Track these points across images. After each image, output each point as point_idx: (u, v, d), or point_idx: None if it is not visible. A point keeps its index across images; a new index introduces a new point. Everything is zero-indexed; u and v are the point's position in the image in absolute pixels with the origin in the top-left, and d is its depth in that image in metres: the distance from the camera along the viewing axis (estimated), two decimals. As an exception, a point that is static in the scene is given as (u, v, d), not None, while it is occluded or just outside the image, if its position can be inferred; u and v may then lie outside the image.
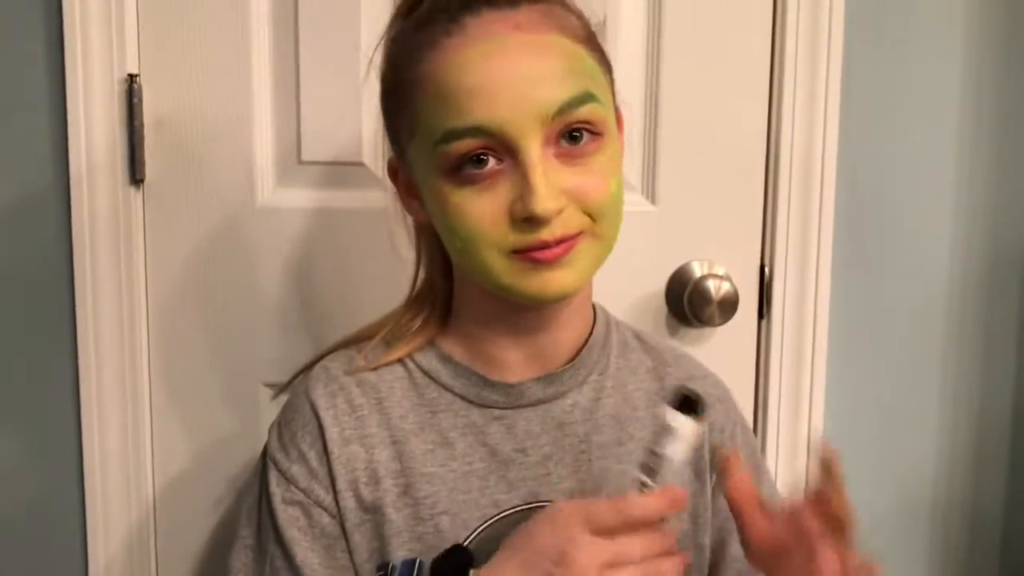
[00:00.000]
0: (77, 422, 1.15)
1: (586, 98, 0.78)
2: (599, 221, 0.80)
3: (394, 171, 0.89)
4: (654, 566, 0.75)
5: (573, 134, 0.78)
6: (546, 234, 0.77)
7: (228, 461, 1.17)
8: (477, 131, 0.76)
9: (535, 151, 0.76)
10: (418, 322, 0.91)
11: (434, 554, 0.85)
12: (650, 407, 0.92)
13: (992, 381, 1.38)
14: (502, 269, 0.79)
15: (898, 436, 1.36)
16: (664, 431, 0.78)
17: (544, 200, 0.76)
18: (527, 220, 0.77)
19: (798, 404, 1.29)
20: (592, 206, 0.79)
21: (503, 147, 0.77)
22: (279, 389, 1.02)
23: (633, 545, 0.75)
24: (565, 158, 0.78)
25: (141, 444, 1.17)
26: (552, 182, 0.77)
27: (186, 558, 1.20)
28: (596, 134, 0.79)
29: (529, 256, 0.78)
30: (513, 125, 0.76)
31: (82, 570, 1.18)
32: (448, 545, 0.85)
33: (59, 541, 1.18)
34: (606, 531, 0.74)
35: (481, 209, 0.78)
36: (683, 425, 0.78)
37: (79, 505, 1.17)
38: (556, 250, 0.78)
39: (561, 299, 0.83)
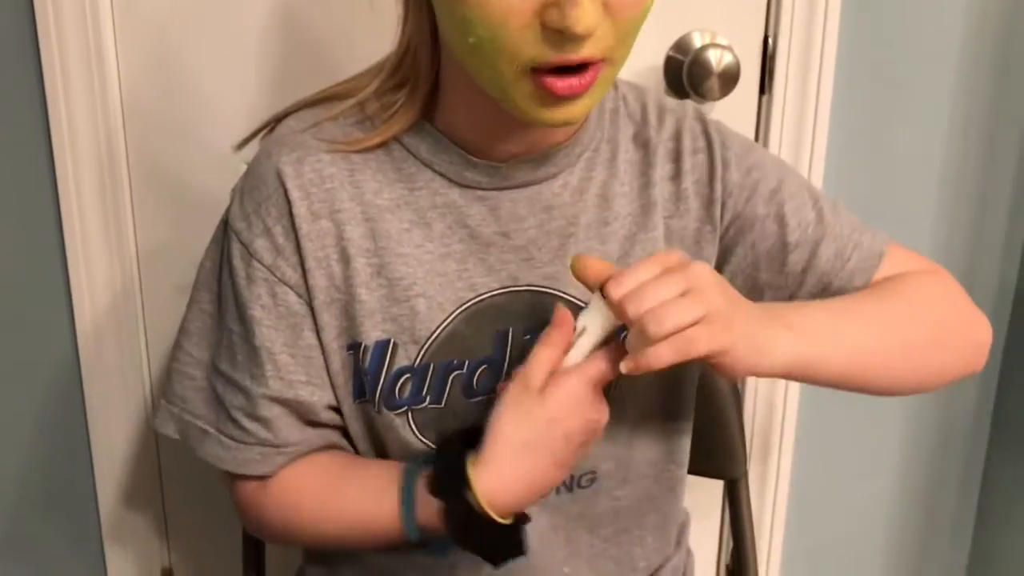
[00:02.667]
0: (54, 192, 1.13)
1: None
2: (620, 44, 0.73)
3: None
4: None
5: None
6: (573, 53, 0.70)
7: (207, 225, 1.14)
8: None
9: None
10: (400, 96, 0.83)
11: (408, 336, 0.83)
12: (634, 178, 0.88)
13: (994, 160, 1.36)
14: (514, 86, 0.72)
15: (895, 221, 1.35)
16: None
17: (588, 16, 0.67)
18: (559, 32, 0.68)
19: (794, 183, 1.27)
20: (623, 24, 0.71)
21: None
22: (241, 142, 0.91)
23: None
24: None
25: (121, 207, 1.15)
26: None
27: (172, 322, 1.20)
28: None
29: (547, 83, 0.71)
30: None
31: (71, 339, 1.19)
32: (423, 326, 0.83)
33: (43, 309, 1.18)
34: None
35: (508, 6, 0.68)
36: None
37: (62, 271, 1.17)
38: (575, 82, 0.71)
39: (566, 126, 0.78)
